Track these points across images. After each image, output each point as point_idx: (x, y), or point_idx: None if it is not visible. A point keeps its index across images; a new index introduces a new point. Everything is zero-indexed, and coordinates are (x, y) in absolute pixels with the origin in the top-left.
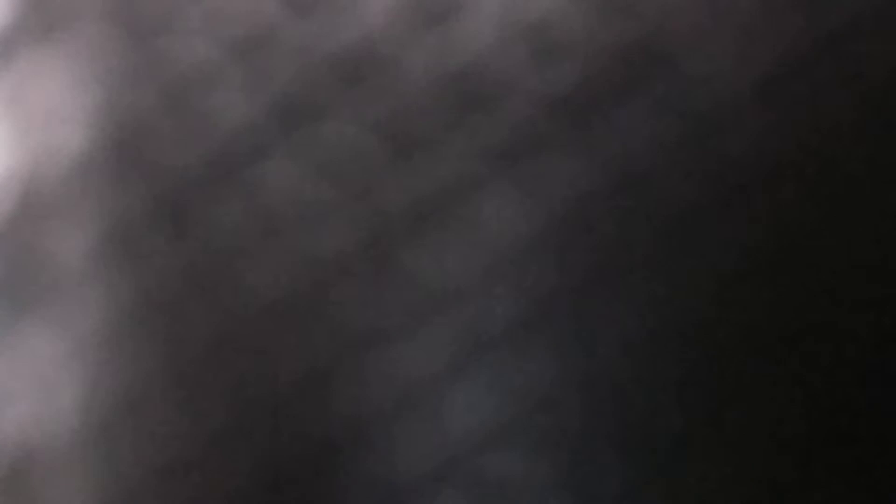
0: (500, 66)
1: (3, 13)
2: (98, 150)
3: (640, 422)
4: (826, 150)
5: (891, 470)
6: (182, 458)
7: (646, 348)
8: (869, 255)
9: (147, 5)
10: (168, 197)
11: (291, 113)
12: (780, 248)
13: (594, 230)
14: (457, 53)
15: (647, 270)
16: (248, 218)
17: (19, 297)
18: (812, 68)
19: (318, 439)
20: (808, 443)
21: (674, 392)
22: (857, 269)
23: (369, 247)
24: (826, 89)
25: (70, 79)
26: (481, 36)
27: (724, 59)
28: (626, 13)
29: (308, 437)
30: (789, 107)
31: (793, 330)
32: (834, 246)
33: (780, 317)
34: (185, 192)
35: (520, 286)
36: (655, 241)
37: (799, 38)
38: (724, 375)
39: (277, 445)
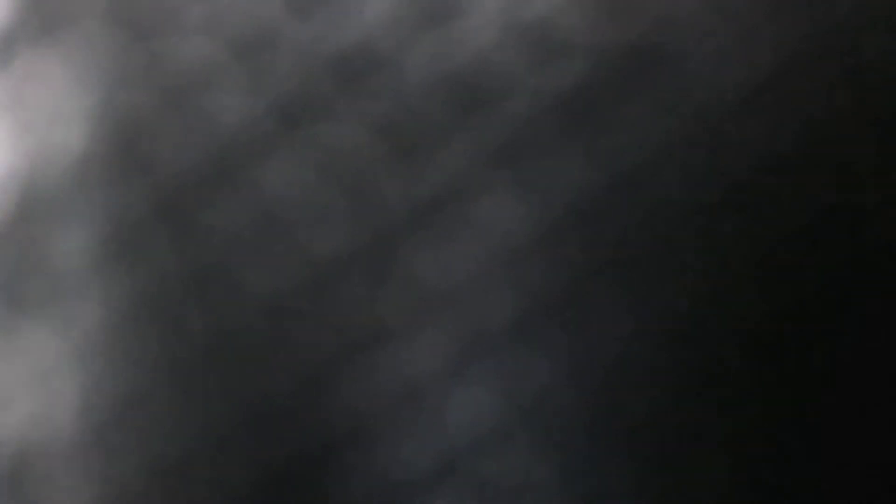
0: (500, 65)
1: (3, 13)
2: (98, 149)
3: (639, 421)
4: (826, 150)
5: (885, 471)
6: (181, 458)
7: (645, 348)
8: (869, 256)
9: (147, 5)
10: (168, 197)
11: (291, 113)
12: (780, 247)
13: (594, 230)
14: (457, 53)
15: (646, 270)
16: (248, 218)
17: (19, 297)
18: (812, 68)
19: (319, 439)
20: (807, 442)
21: (673, 392)
22: (858, 269)
23: (369, 247)
24: (826, 89)
25: (70, 79)
26: (481, 36)
27: (725, 59)
28: (626, 13)
29: (308, 436)
30: (789, 106)
31: (792, 329)
32: (834, 246)
33: (780, 317)
34: (184, 192)
35: (519, 286)
36: (654, 241)
37: (799, 37)
38: (724, 374)
39: (277, 445)
